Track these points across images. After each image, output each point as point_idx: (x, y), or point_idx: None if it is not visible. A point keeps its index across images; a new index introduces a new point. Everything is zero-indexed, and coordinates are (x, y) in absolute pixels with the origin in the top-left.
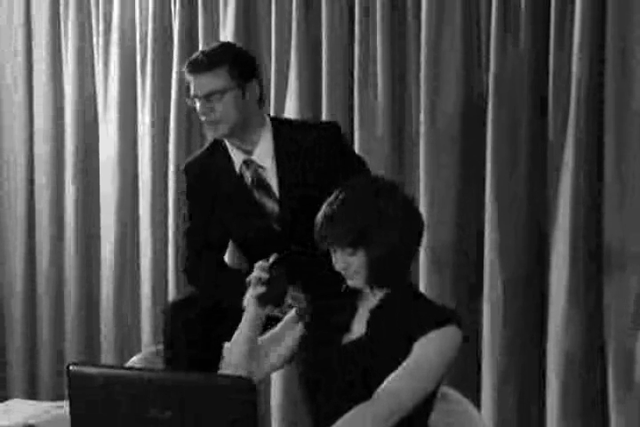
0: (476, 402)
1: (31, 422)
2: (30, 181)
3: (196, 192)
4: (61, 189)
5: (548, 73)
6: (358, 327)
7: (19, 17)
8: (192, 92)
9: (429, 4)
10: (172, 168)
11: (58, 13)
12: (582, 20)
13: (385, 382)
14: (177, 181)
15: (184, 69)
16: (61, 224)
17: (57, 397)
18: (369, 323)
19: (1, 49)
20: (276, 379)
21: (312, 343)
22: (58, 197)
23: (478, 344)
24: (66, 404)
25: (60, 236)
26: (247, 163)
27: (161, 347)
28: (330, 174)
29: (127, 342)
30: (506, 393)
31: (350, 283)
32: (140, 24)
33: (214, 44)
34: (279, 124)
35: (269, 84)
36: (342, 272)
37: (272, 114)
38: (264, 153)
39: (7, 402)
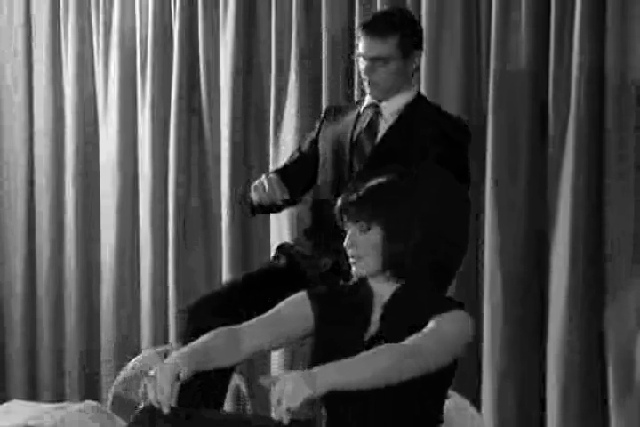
0: (476, 402)
1: (31, 423)
2: (30, 182)
3: (322, 130)
4: (61, 190)
5: (548, 77)
6: (374, 325)
7: (19, 18)
8: (360, 50)
9: (429, 4)
10: (172, 169)
11: (58, 14)
12: (582, 22)
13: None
14: (177, 182)
15: (358, 28)
16: (61, 225)
17: (57, 398)
18: (382, 318)
19: (1, 49)
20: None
21: (329, 340)
22: (58, 198)
23: (478, 346)
24: (66, 405)
25: (60, 237)
26: (374, 106)
27: (161, 349)
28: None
29: (127, 344)
30: (506, 394)
31: (354, 269)
32: (140, 25)
33: (391, 9)
34: (422, 98)
35: (269, 83)
36: (349, 253)
37: (272, 115)
38: (392, 107)
39: (7, 404)
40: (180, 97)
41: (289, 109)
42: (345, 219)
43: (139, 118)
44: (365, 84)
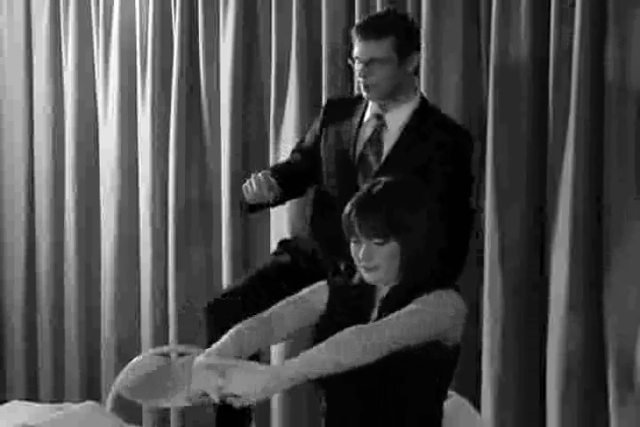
0: (476, 402)
1: (31, 423)
2: (30, 182)
3: (323, 125)
4: (61, 190)
5: (548, 76)
6: (372, 319)
7: (19, 17)
8: (355, 53)
9: (429, 4)
10: (172, 168)
11: (58, 13)
12: (582, 21)
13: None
14: (177, 181)
15: (352, 30)
16: (61, 225)
17: (57, 398)
18: (379, 312)
19: (1, 49)
20: None
21: (332, 331)
22: (58, 197)
23: (478, 345)
24: (66, 405)
25: (60, 237)
26: (377, 117)
27: (160, 349)
28: (431, 175)
29: (127, 344)
30: (506, 394)
31: (367, 276)
32: (140, 24)
33: (385, 11)
34: (426, 107)
35: (269, 81)
36: (362, 264)
37: (272, 114)
38: (396, 119)
39: (7, 404)
40: (180, 96)
41: (289, 108)
42: (357, 232)
43: (139, 118)
44: (362, 87)
